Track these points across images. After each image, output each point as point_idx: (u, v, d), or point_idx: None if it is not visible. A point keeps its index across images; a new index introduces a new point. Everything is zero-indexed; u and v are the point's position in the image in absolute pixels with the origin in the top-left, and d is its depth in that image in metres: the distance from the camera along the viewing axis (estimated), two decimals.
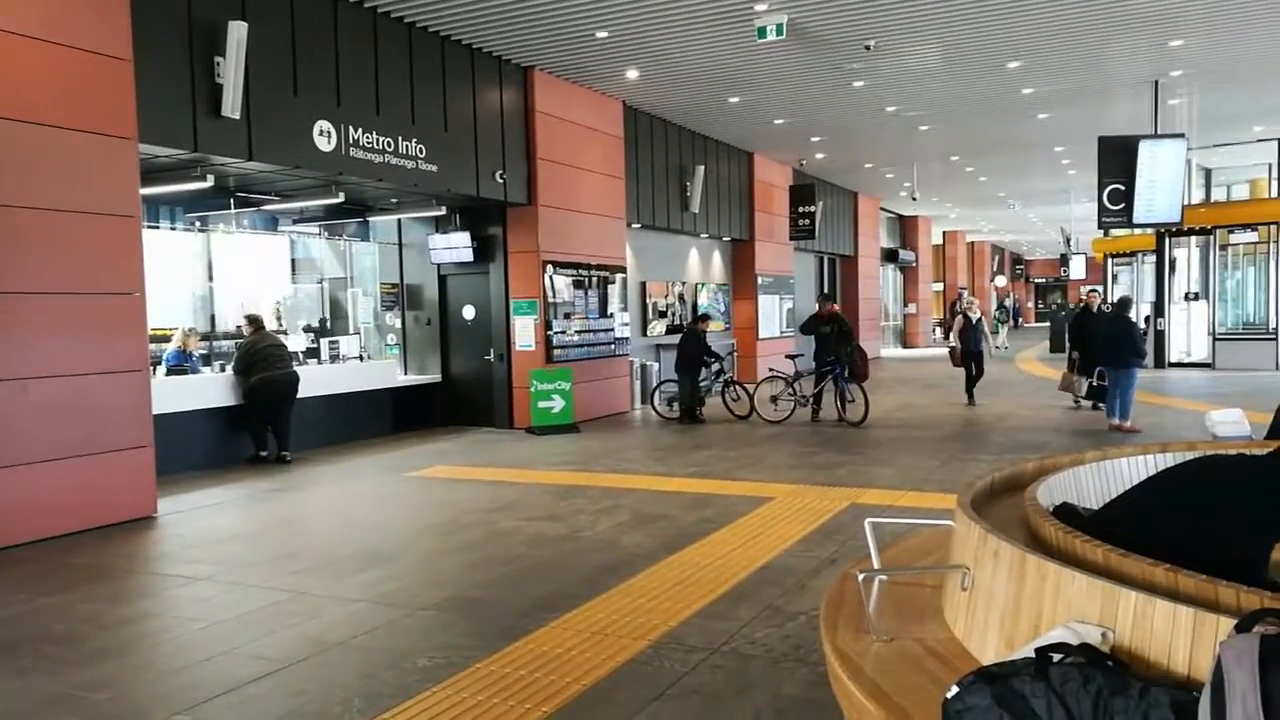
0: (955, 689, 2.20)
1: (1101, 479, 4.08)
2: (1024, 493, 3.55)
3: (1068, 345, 13.30)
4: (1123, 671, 2.09)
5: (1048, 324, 31.60)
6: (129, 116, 7.38)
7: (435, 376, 13.11)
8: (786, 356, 14.89)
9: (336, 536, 6.97)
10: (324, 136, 9.40)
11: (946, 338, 34.82)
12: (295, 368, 10.44)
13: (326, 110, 9.44)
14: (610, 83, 13.14)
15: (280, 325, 11.81)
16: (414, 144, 10.49)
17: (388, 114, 10.19)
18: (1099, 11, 10.53)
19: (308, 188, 10.65)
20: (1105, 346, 11.50)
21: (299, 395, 10.26)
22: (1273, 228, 19.74)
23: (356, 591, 5.42)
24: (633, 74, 12.66)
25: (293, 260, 12.66)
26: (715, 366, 13.43)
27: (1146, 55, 12.48)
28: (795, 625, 4.66)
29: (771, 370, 13.05)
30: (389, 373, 12.48)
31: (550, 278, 12.56)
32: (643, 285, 15.99)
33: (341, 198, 10.76)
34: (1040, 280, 55.96)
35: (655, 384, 14.35)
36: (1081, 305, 14.45)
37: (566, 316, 12.96)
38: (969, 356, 14.27)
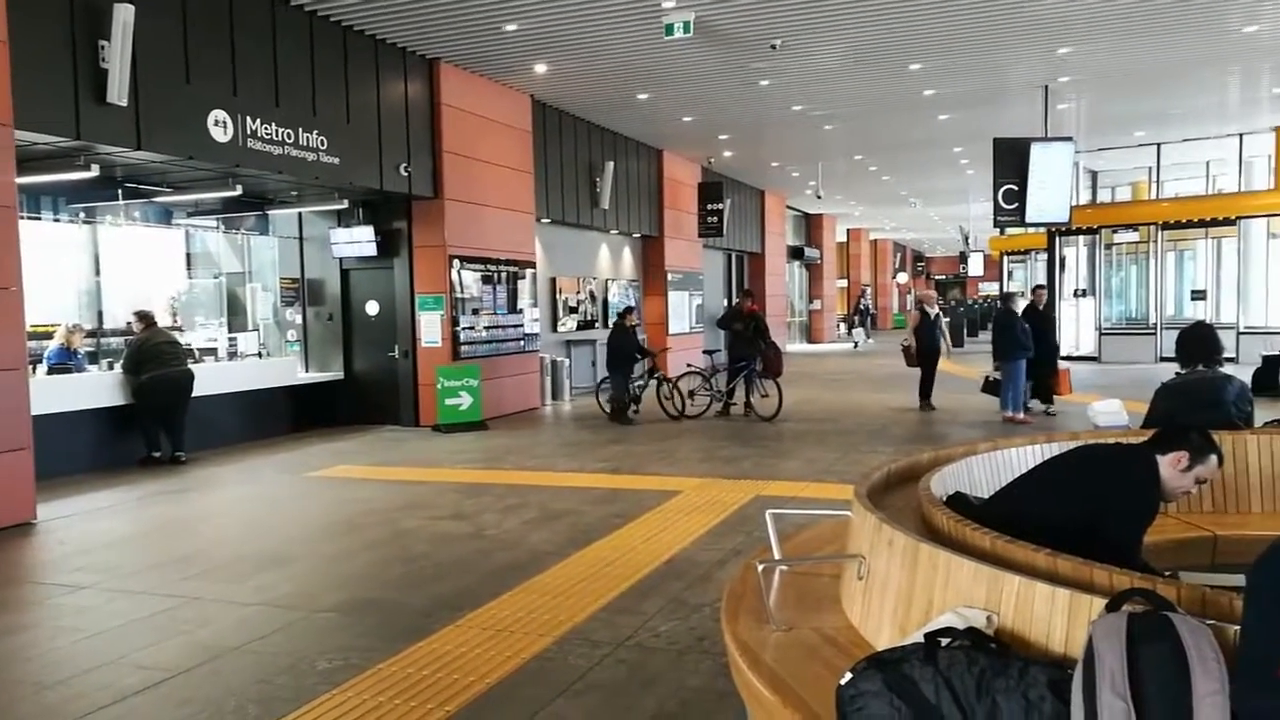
0: (849, 675, 2.24)
1: (992, 469, 4.23)
2: (919, 483, 3.66)
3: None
4: (1005, 652, 2.16)
5: (948, 320, 32.53)
6: (3, 101, 6.99)
7: (337, 374, 12.80)
8: (703, 352, 15.03)
9: (232, 539, 6.74)
10: (219, 127, 9.07)
11: (849, 331, 35.80)
12: (190, 365, 10.06)
13: (222, 99, 9.11)
14: (519, 76, 13.02)
15: (175, 321, 11.37)
16: (315, 136, 10.21)
17: (288, 105, 9.89)
18: (993, 18, 10.89)
19: (203, 179, 10.26)
20: (993, 341, 11.96)
21: (194, 394, 9.89)
22: (1153, 228, 20.76)
23: (252, 595, 5.25)
24: (541, 68, 12.57)
25: (188, 254, 12.19)
26: (648, 364, 13.25)
27: (1037, 61, 12.97)
28: (700, 617, 4.70)
29: (689, 366, 13.06)
30: (289, 370, 12.13)
31: (457, 273, 12.40)
32: (553, 281, 15.91)
33: (239, 190, 10.40)
34: (940, 277, 57.70)
35: (591, 381, 14.23)
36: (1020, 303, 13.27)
37: (475, 312, 12.80)
38: (925, 356, 13.23)
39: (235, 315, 12.44)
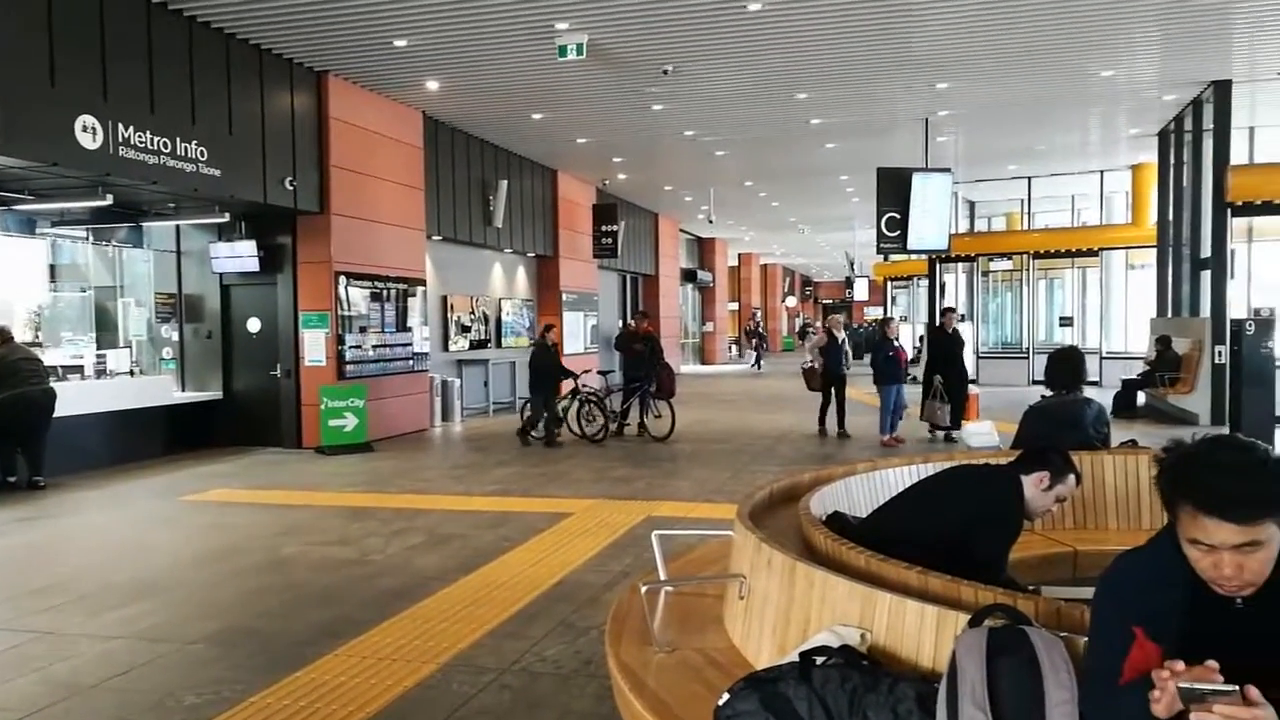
0: (726, 696, 2.27)
1: (871, 488, 4.35)
2: (799, 503, 3.74)
3: (924, 371, 12.49)
4: (876, 669, 2.22)
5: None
6: None
7: (216, 393, 12.30)
8: (598, 373, 15.01)
9: (95, 568, 6.37)
10: (88, 133, 8.64)
11: (738, 352, 36.44)
12: (52, 383, 9.50)
13: (91, 104, 8.68)
14: (410, 92, 12.85)
15: (36, 337, 10.74)
16: (194, 146, 9.84)
17: (164, 112, 9.50)
18: (876, 51, 11.31)
19: (70, 187, 9.74)
20: (872, 366, 12.31)
21: (57, 414, 9.34)
22: (1025, 257, 21.85)
23: (116, 628, 4.97)
24: (433, 85, 12.44)
25: (52, 266, 11.54)
26: (573, 385, 12.81)
27: (918, 95, 13.53)
28: (587, 640, 4.67)
29: (584, 387, 12.87)
30: (163, 389, 11.60)
31: (344, 290, 12.10)
32: (444, 299, 15.70)
33: (109, 200, 9.90)
34: (828, 301, 59.33)
35: (484, 401, 13.98)
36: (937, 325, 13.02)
37: (362, 330, 12.51)
38: (832, 379, 12.66)
39: (105, 331, 11.82)
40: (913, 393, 12.86)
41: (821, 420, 12.80)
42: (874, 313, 48.80)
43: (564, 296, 19.41)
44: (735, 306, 40.48)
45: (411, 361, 13.62)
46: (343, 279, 12.06)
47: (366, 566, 6.23)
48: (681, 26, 10.20)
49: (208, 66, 10.09)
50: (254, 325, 12.24)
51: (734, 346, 37.58)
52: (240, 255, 11.79)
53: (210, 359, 12.42)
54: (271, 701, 3.92)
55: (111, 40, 8.91)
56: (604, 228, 20.42)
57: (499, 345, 17.39)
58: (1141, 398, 14.82)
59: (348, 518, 7.81)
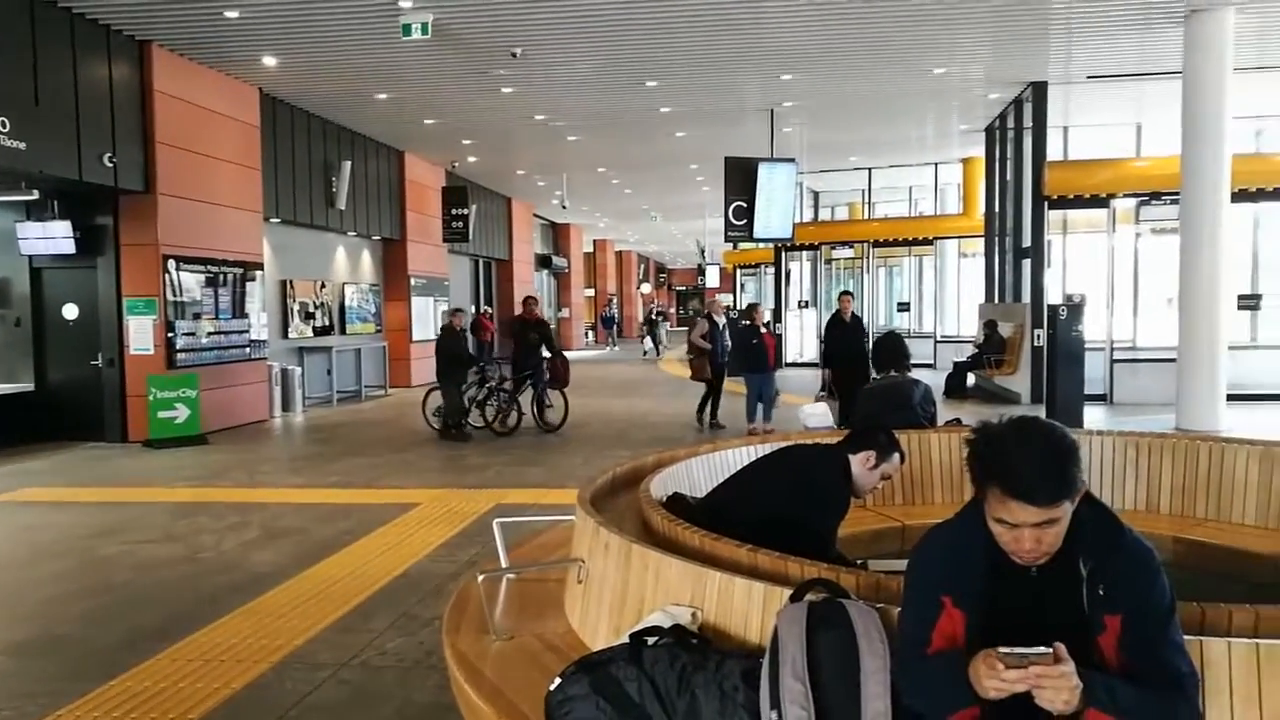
0: (558, 680, 2.26)
1: (712, 469, 4.43)
2: (640, 485, 3.77)
3: (821, 363, 11.83)
4: (705, 647, 2.25)
5: (685, 328, 34.07)
6: None
7: (27, 385, 11.38)
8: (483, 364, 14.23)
9: None
10: None
11: (596, 339, 36.54)
12: None
13: None
14: (245, 68, 12.19)
15: None
16: None
17: None
18: (722, 41, 11.48)
19: None
20: (736, 353, 11.96)
21: None
22: (865, 245, 22.77)
23: None
24: (270, 61, 11.84)
25: None
26: (483, 372, 12.21)
27: (763, 85, 13.85)
28: (430, 631, 4.58)
29: (493, 375, 12.28)
30: None
31: (173, 274, 11.40)
32: (284, 284, 15.03)
33: None
34: (681, 288, 60.28)
35: (327, 390, 13.11)
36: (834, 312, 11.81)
37: (196, 317, 11.82)
38: (715, 369, 12.12)
39: None
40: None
41: (700, 412, 12.28)
42: (725, 299, 49.95)
43: (412, 281, 18.93)
44: (591, 292, 40.56)
45: (249, 349, 12.98)
46: (172, 263, 11.36)
47: (195, 565, 5.91)
48: (530, 9, 10.08)
49: (8, 30, 9.26)
50: (70, 311, 11.38)
51: (590, 332, 37.68)
52: (53, 236, 10.93)
53: (20, 348, 11.47)
54: (83, 714, 3.67)
55: None
56: (454, 211, 20.00)
57: (343, 332, 16.81)
58: (971, 379, 15.72)
59: (176, 514, 7.38)
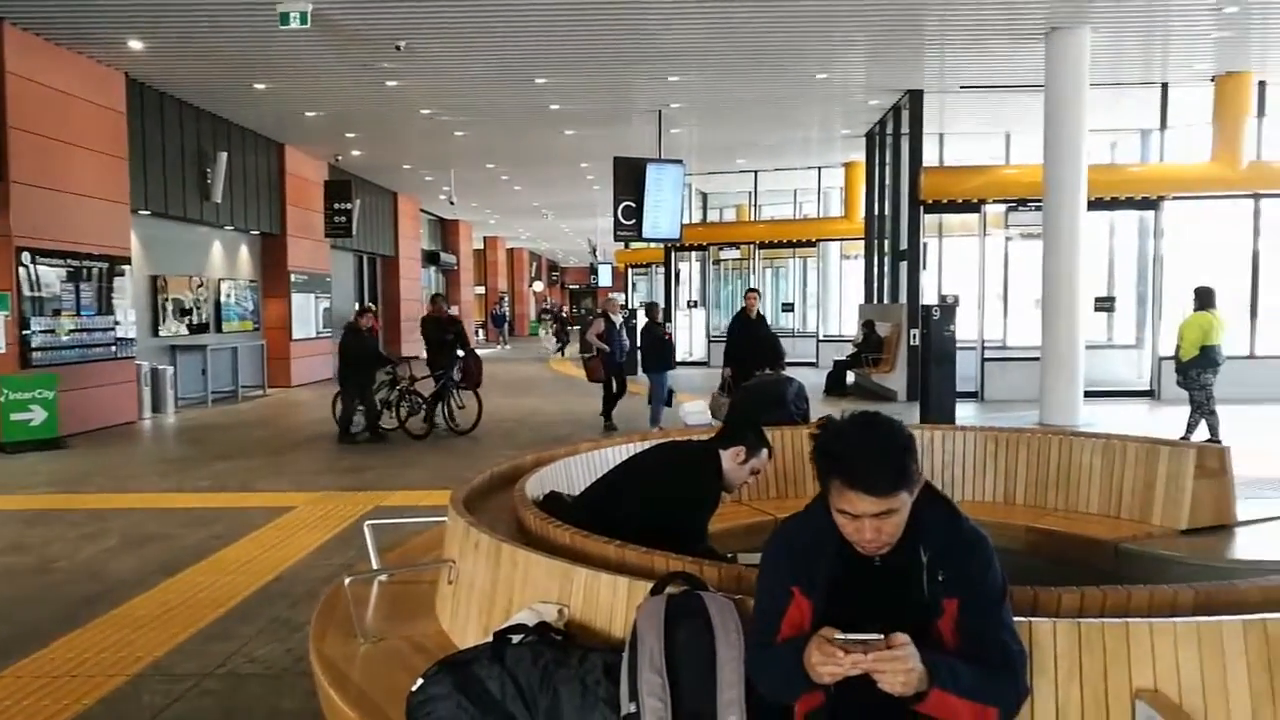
0: (420, 682, 2.24)
1: (591, 467, 4.45)
2: (515, 485, 3.76)
3: (723, 362, 11.03)
4: (569, 643, 2.27)
5: (578, 327, 34.06)
6: None
7: None
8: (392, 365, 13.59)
9: None
10: None
11: (487, 337, 36.15)
12: None
13: None
14: (108, 50, 11.59)
15: None
16: None
17: None
18: (610, 40, 11.53)
19: None
20: (646, 353, 11.57)
21: None
22: (752, 247, 23.19)
23: None
24: (137, 45, 11.30)
25: None
26: (394, 374, 11.59)
27: (651, 86, 13.95)
28: (301, 637, 4.45)
29: (404, 376, 11.77)
30: None
31: (29, 267, 10.76)
32: (154, 279, 14.37)
33: None
34: (574, 286, 60.22)
35: (202, 390, 12.37)
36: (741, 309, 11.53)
37: (55, 313, 11.19)
38: (612, 369, 11.83)
39: None
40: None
41: (607, 415, 11.87)
42: (619, 299, 50.12)
43: (293, 277, 18.35)
44: (482, 290, 40.12)
45: (115, 348, 12.35)
46: (27, 255, 10.72)
47: (48, 575, 5.60)
48: (415, 1, 9.91)
49: None
50: None
51: (481, 331, 37.26)
52: None
53: None
54: None
55: None
56: (337, 205, 19.46)
57: (219, 330, 16.17)
58: (851, 377, 16.20)
59: (27, 522, 6.97)
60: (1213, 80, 13.63)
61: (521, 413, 13.58)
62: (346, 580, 3.07)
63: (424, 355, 12.32)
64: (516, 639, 2.28)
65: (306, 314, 19.01)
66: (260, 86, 13.45)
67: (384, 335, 24.04)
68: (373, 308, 22.46)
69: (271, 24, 9.92)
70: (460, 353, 11.80)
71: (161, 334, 14.45)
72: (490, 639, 2.39)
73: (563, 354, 28.90)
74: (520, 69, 12.79)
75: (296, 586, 5.31)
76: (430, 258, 30.48)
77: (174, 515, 7.17)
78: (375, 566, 3.56)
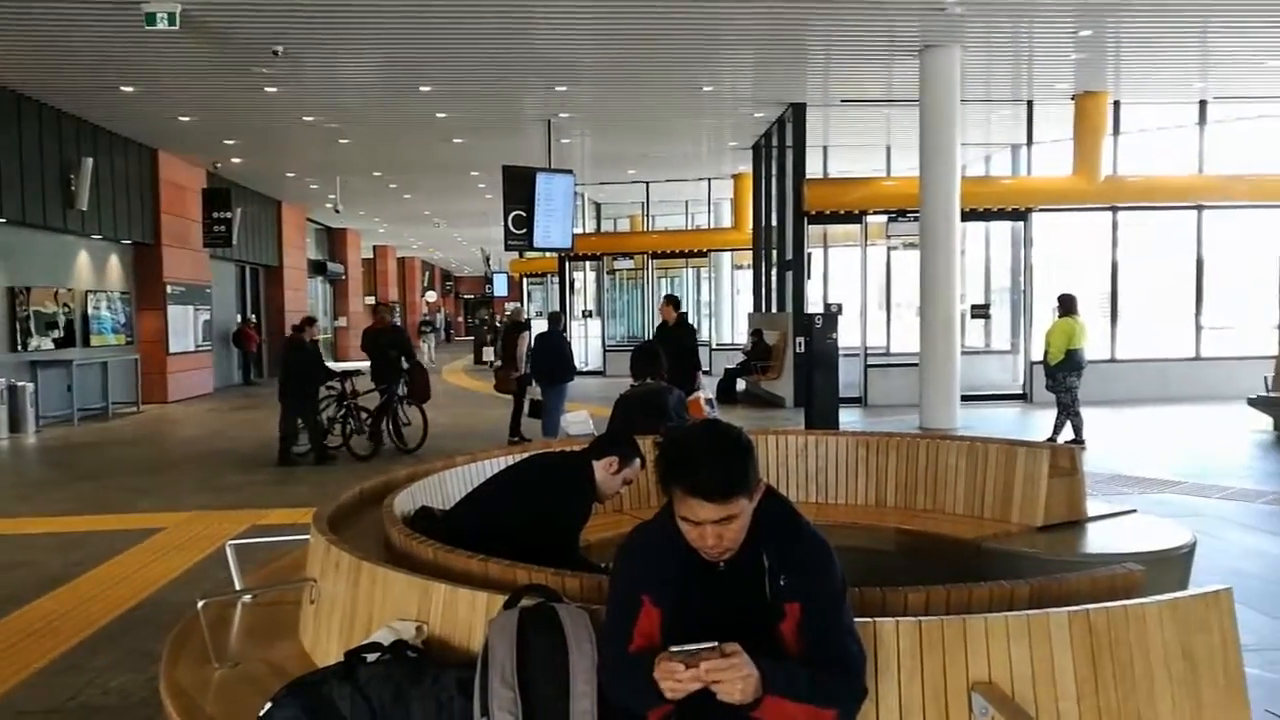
0: (269, 705, 2.17)
1: (465, 481, 4.38)
2: (384, 500, 3.69)
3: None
4: (423, 660, 2.23)
5: (472, 338, 33.72)
6: None
7: None
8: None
9: None
10: None
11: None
12: None
13: None
14: None
15: None
16: None
17: None
18: (498, 49, 11.41)
19: None
20: (541, 364, 10.97)
21: None
22: (645, 256, 23.37)
23: None
24: None
25: None
26: (342, 388, 10.86)
27: (540, 95, 13.91)
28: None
29: (351, 392, 11.01)
30: None
31: None
32: (13, 291, 13.56)
33: None
34: (469, 296, 59.49)
35: (68, 408, 11.64)
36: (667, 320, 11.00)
37: None
38: (525, 382, 11.32)
39: None
40: None
41: (518, 426, 11.51)
42: (513, 308, 49.74)
43: (169, 289, 17.57)
44: (372, 300, 39.24)
45: None
46: None
47: None
48: (291, 6, 9.66)
49: None
50: None
51: None
52: None
53: None
54: None
55: None
56: (216, 214, 18.75)
57: (87, 344, 15.36)
58: (741, 384, 16.47)
59: None
60: (1073, 99, 14.40)
61: (462, 426, 13.08)
62: (200, 603, 2.95)
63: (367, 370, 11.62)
64: (371, 658, 2.23)
65: (185, 326, 18.25)
66: (128, 89, 12.86)
67: (268, 348, 23.39)
68: (254, 319, 21.84)
69: (138, 24, 9.49)
70: (405, 365, 11.19)
71: (21, 349, 13.63)
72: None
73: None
74: (404, 77, 12.60)
75: (160, 613, 5.07)
76: (317, 268, 29.69)
77: (32, 541, 6.77)
78: (238, 587, 3.45)
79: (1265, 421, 11.07)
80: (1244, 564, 5.71)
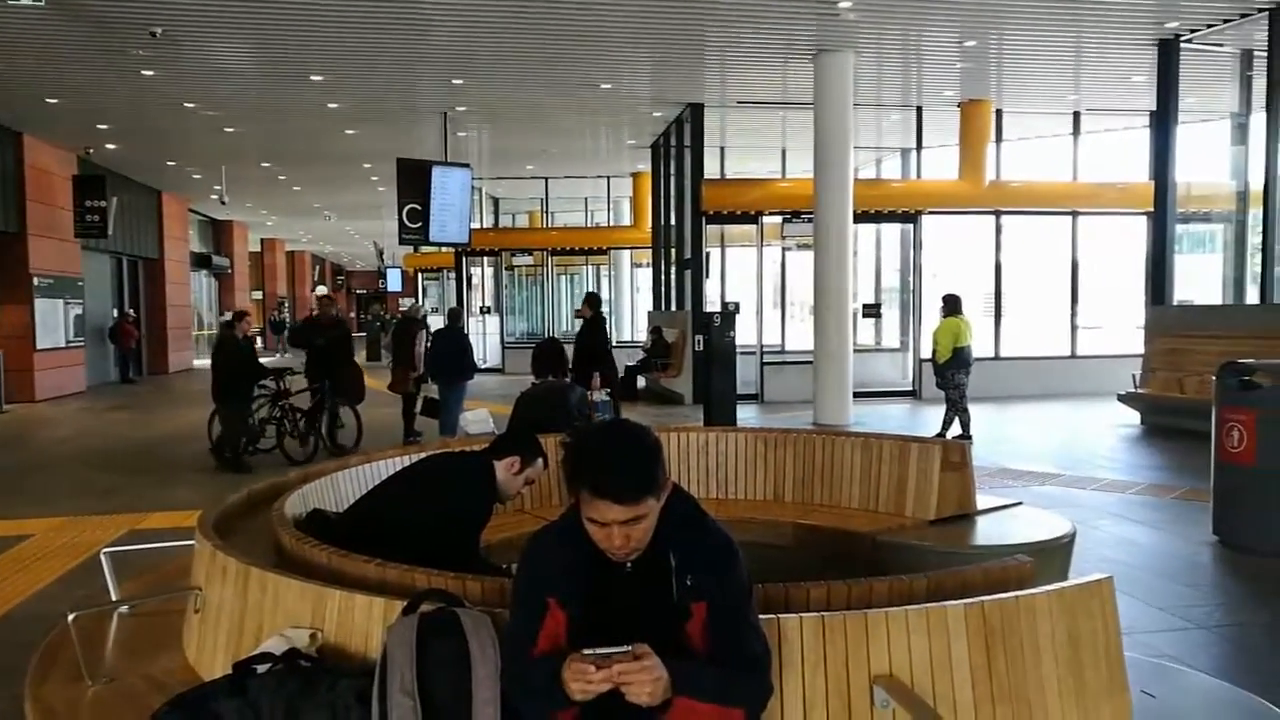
0: None
1: (359, 482, 4.25)
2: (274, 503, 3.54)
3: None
4: (318, 669, 2.14)
5: (364, 334, 32.89)
6: None
7: None
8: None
9: None
10: None
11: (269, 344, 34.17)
12: None
13: None
14: None
15: None
16: None
17: None
18: (391, 40, 11.15)
19: None
20: (440, 361, 10.59)
21: None
22: (544, 253, 23.22)
23: None
24: None
25: None
26: (278, 387, 10.14)
27: (435, 88, 13.65)
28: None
29: (286, 391, 10.29)
30: None
31: None
32: None
33: None
34: (362, 291, 58.03)
35: None
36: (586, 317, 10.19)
37: None
38: (421, 380, 10.91)
39: None
40: None
41: (412, 426, 11.02)
42: (408, 303, 48.76)
43: (36, 281, 16.55)
44: (259, 295, 37.93)
45: None
46: None
47: None
48: None
49: None
50: None
51: (260, 339, 35.19)
52: None
53: None
54: None
55: None
56: (89, 203, 17.74)
57: None
58: (641, 381, 16.52)
59: None
60: (959, 106, 14.94)
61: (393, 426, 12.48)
62: (70, 615, 2.78)
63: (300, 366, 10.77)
64: (262, 669, 2.13)
65: (54, 321, 17.23)
66: None
67: (148, 345, 22.34)
68: (132, 314, 20.82)
69: None
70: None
71: None
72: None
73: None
74: (293, 65, 12.19)
75: (25, 628, 4.75)
76: (201, 261, 28.50)
77: None
78: (114, 598, 3.26)
79: (1133, 416, 11.74)
80: (1117, 552, 6.01)
